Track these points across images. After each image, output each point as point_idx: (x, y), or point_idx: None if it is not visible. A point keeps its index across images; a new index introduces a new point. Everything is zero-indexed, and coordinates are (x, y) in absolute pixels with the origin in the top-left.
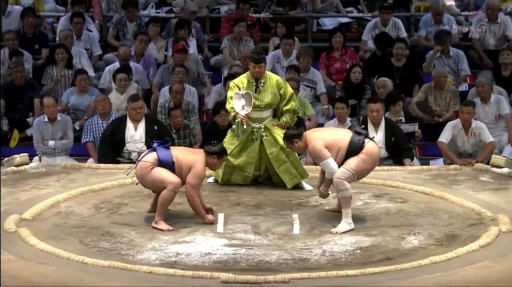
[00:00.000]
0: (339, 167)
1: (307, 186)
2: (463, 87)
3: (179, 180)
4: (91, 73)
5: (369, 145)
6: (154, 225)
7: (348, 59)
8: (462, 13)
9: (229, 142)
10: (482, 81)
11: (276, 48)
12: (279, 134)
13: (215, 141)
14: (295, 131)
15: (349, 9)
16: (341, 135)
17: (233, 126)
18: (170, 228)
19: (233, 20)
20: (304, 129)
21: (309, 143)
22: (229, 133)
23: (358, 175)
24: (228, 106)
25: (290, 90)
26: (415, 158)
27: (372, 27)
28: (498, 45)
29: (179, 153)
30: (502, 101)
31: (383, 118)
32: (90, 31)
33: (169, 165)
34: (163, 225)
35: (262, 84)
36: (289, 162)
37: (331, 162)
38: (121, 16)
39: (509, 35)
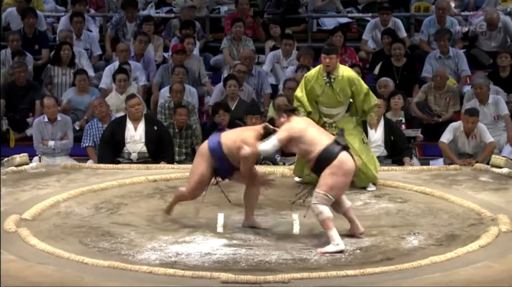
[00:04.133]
0: (312, 170)
1: (372, 187)
2: (466, 88)
3: (199, 195)
4: (91, 73)
5: (342, 156)
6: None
7: (348, 59)
8: (462, 13)
9: None
10: (480, 82)
11: (272, 49)
12: (353, 138)
13: None
14: (292, 107)
15: (349, 9)
16: (322, 139)
17: None
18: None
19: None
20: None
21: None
22: None
23: (332, 193)
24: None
25: (364, 86)
26: (414, 158)
27: (372, 27)
28: (498, 45)
29: (230, 136)
30: (500, 101)
31: (383, 117)
32: (90, 31)
33: (217, 150)
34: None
35: (333, 80)
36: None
37: (271, 142)
38: (120, 17)
39: (510, 35)
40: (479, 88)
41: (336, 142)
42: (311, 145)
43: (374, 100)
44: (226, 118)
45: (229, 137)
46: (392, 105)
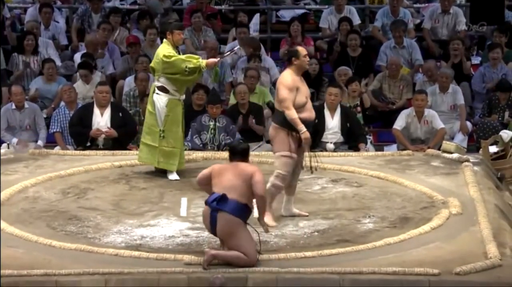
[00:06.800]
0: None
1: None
2: (419, 76)
3: (255, 261)
4: (58, 62)
5: None
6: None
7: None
8: (414, 5)
9: (153, 124)
10: (447, 72)
11: (235, 39)
12: None
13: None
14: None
15: (307, 1)
16: None
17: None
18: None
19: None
20: None
21: None
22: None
23: None
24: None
25: None
26: (370, 144)
27: (328, 13)
28: (449, 35)
29: (236, 191)
30: (458, 91)
31: (339, 105)
32: (57, 22)
33: (244, 211)
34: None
35: (181, 53)
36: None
37: None
38: (86, 8)
39: (458, 27)
40: (445, 77)
41: None
42: None
43: None
44: (204, 97)
45: (235, 192)
46: (349, 91)
